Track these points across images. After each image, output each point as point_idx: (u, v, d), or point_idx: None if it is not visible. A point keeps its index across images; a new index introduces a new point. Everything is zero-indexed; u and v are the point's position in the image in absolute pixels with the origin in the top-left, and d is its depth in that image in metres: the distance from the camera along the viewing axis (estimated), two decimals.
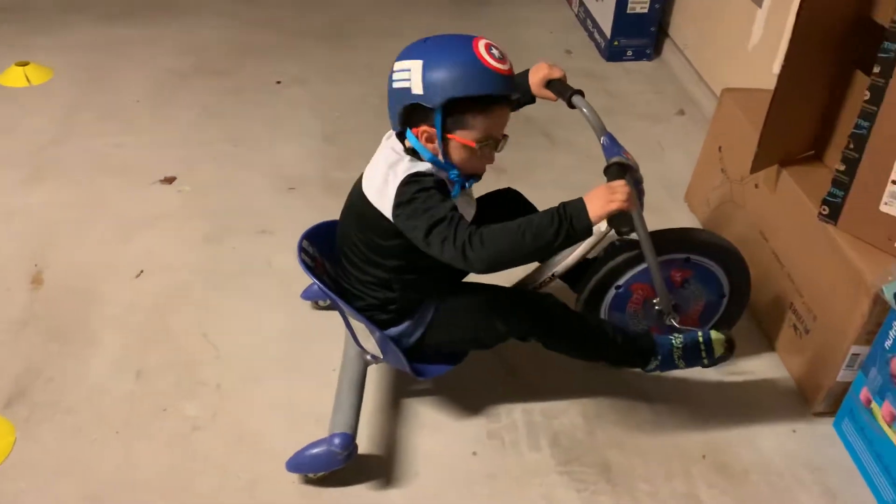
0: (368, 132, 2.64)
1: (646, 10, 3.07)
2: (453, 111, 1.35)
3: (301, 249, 1.55)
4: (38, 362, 1.83)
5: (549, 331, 1.59)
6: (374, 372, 1.80)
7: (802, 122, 1.84)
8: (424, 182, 1.38)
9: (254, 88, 2.96)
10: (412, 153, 1.43)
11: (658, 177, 2.51)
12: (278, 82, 3.00)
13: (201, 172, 2.49)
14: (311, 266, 1.55)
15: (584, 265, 1.67)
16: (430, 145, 1.40)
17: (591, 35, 3.36)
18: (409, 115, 1.38)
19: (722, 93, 2.22)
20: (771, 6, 2.40)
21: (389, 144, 1.46)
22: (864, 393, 1.61)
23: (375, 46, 3.25)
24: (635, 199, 1.34)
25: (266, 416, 1.72)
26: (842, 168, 1.62)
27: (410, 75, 1.34)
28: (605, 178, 1.40)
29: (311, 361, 1.83)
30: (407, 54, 1.37)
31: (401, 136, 1.44)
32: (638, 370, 1.68)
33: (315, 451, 1.52)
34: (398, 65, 1.37)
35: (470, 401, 1.76)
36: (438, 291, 1.56)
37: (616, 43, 3.14)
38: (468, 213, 1.49)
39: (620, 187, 1.31)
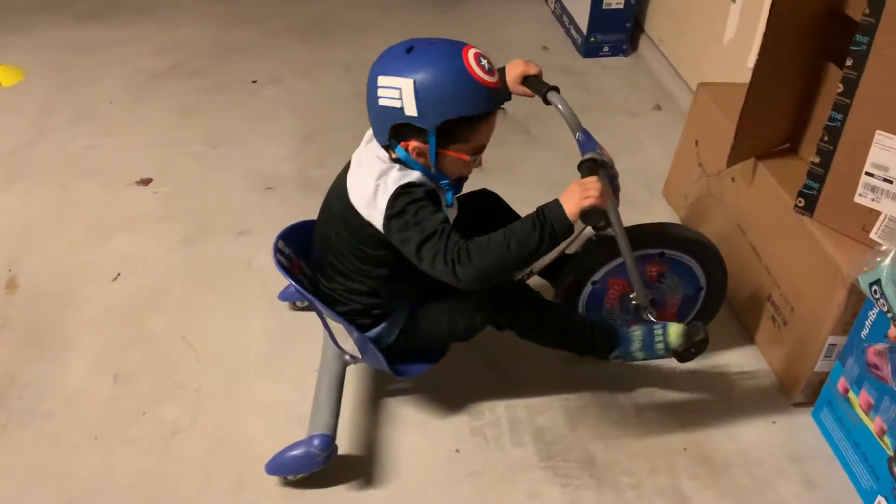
0: (347, 131, 2.65)
1: (621, 6, 3.08)
2: (447, 129, 1.34)
3: (277, 250, 1.53)
4: (14, 368, 1.80)
5: (523, 320, 1.59)
6: (355, 371, 1.79)
7: (777, 116, 1.86)
8: (415, 193, 1.35)
9: (231, 88, 2.94)
10: (400, 161, 1.41)
11: (636, 171, 2.52)
12: (254, 81, 2.98)
13: (178, 173, 2.47)
14: (287, 267, 1.54)
15: (561, 261, 1.67)
16: (420, 159, 1.38)
17: (567, 31, 3.36)
18: (398, 130, 1.36)
19: (698, 87, 2.23)
20: (745, 1, 2.42)
21: (374, 152, 1.43)
22: (841, 383, 1.63)
23: (353, 44, 3.24)
24: (609, 194, 1.35)
25: (248, 418, 1.71)
26: (816, 160, 1.63)
27: (401, 95, 1.30)
28: (579, 175, 1.41)
29: (293, 362, 1.82)
30: (394, 69, 1.32)
31: (387, 147, 1.42)
32: (606, 360, 1.69)
33: (294, 452, 1.51)
34: (384, 80, 1.32)
35: (452, 399, 1.76)
36: (424, 295, 1.56)
37: (592, 39, 3.15)
38: (451, 215, 1.49)
39: (593, 184, 1.32)
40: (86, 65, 3.06)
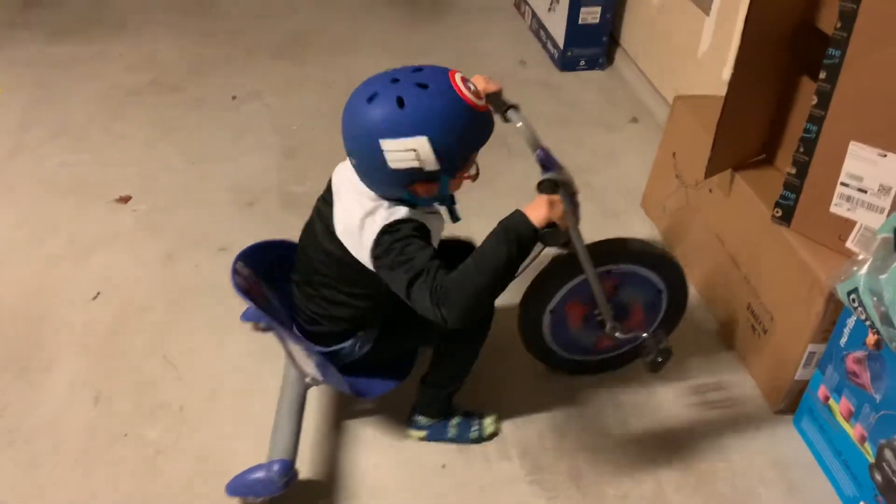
0: (326, 145, 2.65)
1: (597, 21, 3.12)
2: (458, 163, 1.32)
3: (234, 271, 1.49)
4: None
5: (470, 335, 1.58)
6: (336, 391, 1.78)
7: (753, 127, 1.89)
8: (403, 230, 1.31)
9: (209, 104, 2.93)
10: (388, 199, 1.36)
11: (614, 183, 2.54)
12: (234, 97, 2.97)
13: (158, 190, 2.45)
14: (245, 288, 1.50)
15: None
16: (426, 194, 1.34)
17: (544, 46, 3.39)
18: (410, 182, 1.31)
19: (674, 100, 2.26)
20: (718, 14, 2.46)
21: (358, 190, 1.36)
22: (821, 390, 1.65)
23: (332, 59, 3.24)
24: (570, 215, 1.35)
25: (231, 437, 1.70)
26: (793, 171, 1.66)
27: (418, 155, 1.25)
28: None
29: (275, 380, 1.80)
30: (397, 130, 1.24)
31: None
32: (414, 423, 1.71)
33: (254, 476, 1.48)
34: (391, 144, 1.24)
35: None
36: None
37: (569, 53, 3.18)
38: (439, 227, 1.45)
39: (557, 202, 1.33)
40: (61, 81, 3.03)
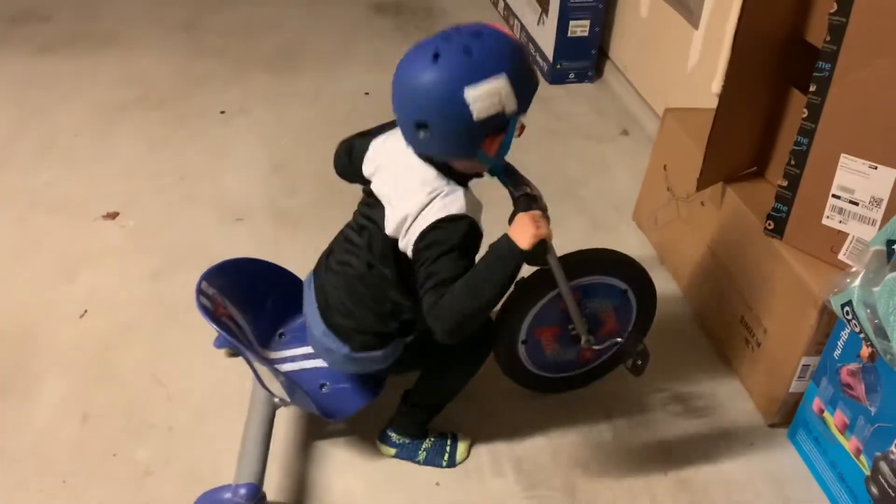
0: (316, 160, 2.64)
1: (586, 34, 3.13)
2: (529, 98, 1.30)
3: (199, 292, 1.47)
4: None
5: (469, 356, 1.57)
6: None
7: (744, 140, 1.89)
8: (452, 233, 1.29)
9: (198, 119, 2.91)
10: (445, 171, 1.34)
11: (605, 196, 2.54)
12: (222, 112, 2.95)
13: (146, 206, 2.43)
14: (211, 309, 1.48)
15: None
16: (492, 151, 1.31)
17: (533, 58, 3.40)
18: (485, 136, 1.28)
19: (664, 113, 2.26)
20: (707, 28, 2.47)
21: (413, 183, 1.33)
22: (816, 403, 1.64)
23: (321, 73, 3.23)
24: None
25: (222, 456, 1.67)
26: (784, 184, 1.66)
27: (501, 96, 1.22)
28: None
29: None
30: (477, 75, 1.21)
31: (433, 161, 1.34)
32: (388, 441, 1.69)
33: (221, 497, 1.46)
34: (475, 91, 1.21)
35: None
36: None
37: (558, 66, 3.19)
38: (480, 215, 1.40)
39: (539, 217, 1.33)
40: (48, 97, 3.01)
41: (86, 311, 2.03)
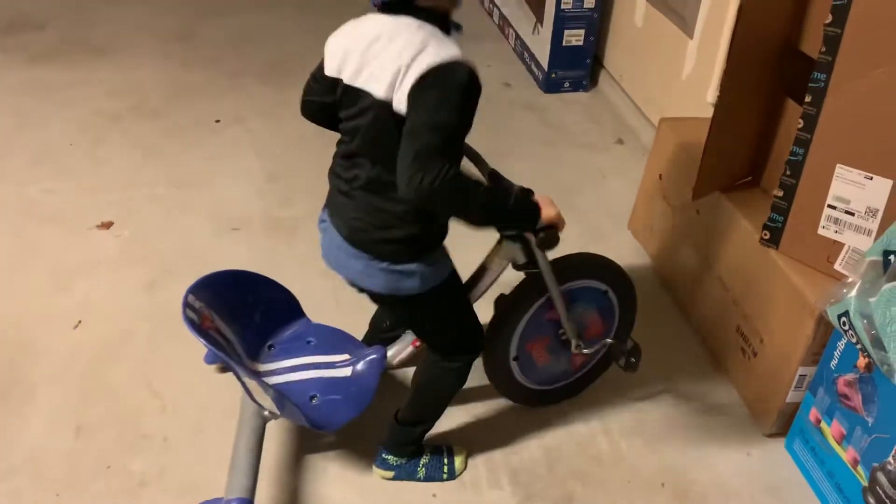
0: (311, 169, 2.63)
1: (581, 43, 3.14)
2: None
3: (186, 305, 1.45)
4: None
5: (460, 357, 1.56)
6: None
7: (739, 150, 1.90)
8: (452, 79, 1.21)
9: (193, 129, 2.91)
10: (424, 17, 1.27)
11: (601, 205, 2.55)
12: (217, 121, 2.95)
13: (140, 216, 2.42)
14: (198, 322, 1.45)
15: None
16: None
17: (528, 68, 3.41)
18: None
19: (660, 122, 2.27)
20: (702, 37, 2.48)
21: (398, 36, 1.25)
22: (813, 413, 1.64)
23: None
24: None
25: (216, 468, 1.65)
26: (780, 194, 1.67)
27: None
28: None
29: None
30: None
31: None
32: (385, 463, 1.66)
33: None
34: None
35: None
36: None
37: (553, 75, 3.20)
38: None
39: (555, 206, 1.38)
40: (42, 107, 3.00)
41: (80, 322, 2.02)
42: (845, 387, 1.54)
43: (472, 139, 1.51)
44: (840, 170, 1.55)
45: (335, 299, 2.11)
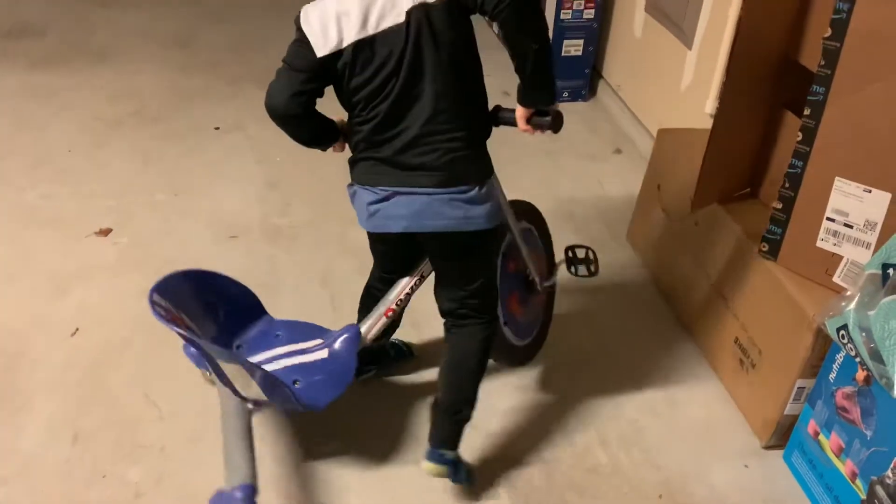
0: (310, 177, 2.64)
1: (580, 53, 3.15)
2: None
3: (153, 303, 1.44)
4: None
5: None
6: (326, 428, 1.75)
7: (738, 161, 1.90)
8: None
9: (192, 135, 2.91)
10: None
11: (599, 214, 2.55)
12: (217, 128, 2.95)
13: (139, 223, 2.42)
14: (168, 319, 1.45)
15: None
16: None
17: None
18: None
19: (658, 133, 2.27)
20: (700, 49, 2.49)
21: None
22: (811, 426, 1.64)
23: None
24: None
25: (214, 477, 1.64)
26: (779, 206, 1.67)
27: None
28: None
29: (259, 417, 1.77)
30: None
31: None
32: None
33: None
34: None
35: (423, 452, 1.72)
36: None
37: None
38: None
39: None
40: (42, 112, 3.00)
41: (77, 329, 2.01)
42: (844, 400, 1.54)
43: None
44: (839, 182, 1.55)
45: (333, 306, 2.11)
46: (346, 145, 1.52)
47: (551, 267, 1.92)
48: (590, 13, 3.07)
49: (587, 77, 3.24)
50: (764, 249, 1.73)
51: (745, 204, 1.92)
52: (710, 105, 2.36)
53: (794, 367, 1.64)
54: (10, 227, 2.37)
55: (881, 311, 1.36)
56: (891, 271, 1.38)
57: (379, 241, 1.62)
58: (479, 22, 1.42)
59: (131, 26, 3.74)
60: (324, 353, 1.62)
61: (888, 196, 1.49)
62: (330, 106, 1.47)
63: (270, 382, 1.48)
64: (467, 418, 1.61)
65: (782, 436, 1.75)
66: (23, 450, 1.69)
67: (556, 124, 1.50)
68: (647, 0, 2.83)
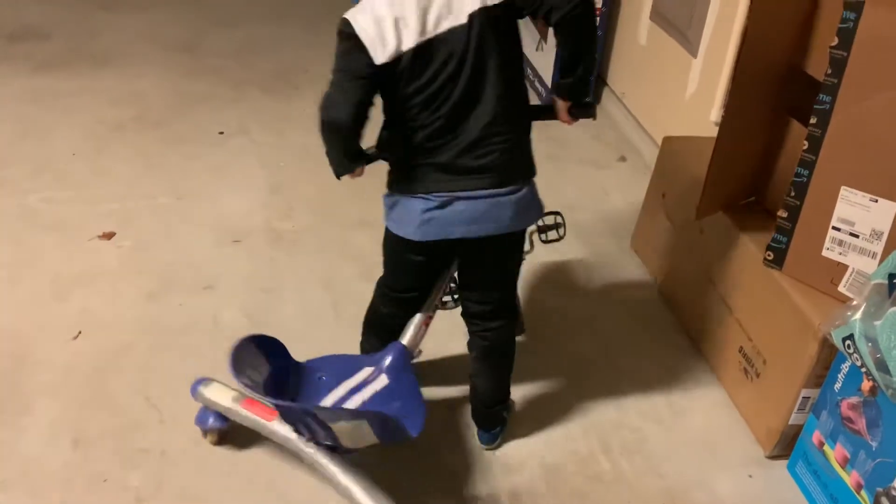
0: (314, 182, 2.64)
1: None
2: None
3: (246, 386, 1.41)
4: None
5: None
6: None
7: (743, 170, 1.90)
8: None
9: (196, 139, 2.91)
10: None
11: (604, 222, 2.54)
12: (221, 133, 2.95)
13: (142, 227, 2.42)
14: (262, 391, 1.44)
15: None
16: None
17: (532, 84, 3.42)
18: None
19: (663, 140, 2.27)
20: (705, 57, 2.49)
21: None
22: (816, 436, 1.63)
23: (320, 95, 3.22)
24: None
25: (215, 482, 1.65)
26: (784, 215, 1.66)
27: None
28: None
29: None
30: None
31: None
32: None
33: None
34: None
35: (426, 461, 1.71)
36: None
37: None
38: None
39: None
40: (44, 116, 3.00)
41: (79, 333, 2.00)
42: (849, 410, 1.53)
43: None
44: (845, 192, 1.55)
45: (335, 312, 2.11)
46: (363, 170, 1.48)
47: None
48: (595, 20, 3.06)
49: (591, 85, 3.23)
50: (769, 258, 1.72)
51: (751, 212, 1.91)
52: (715, 113, 2.36)
53: (798, 377, 1.64)
54: (12, 231, 2.37)
55: (887, 321, 1.35)
56: None
57: (418, 252, 1.53)
58: None
59: (136, 30, 3.74)
60: (384, 380, 1.58)
61: (895, 205, 1.49)
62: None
63: (381, 421, 1.41)
64: (508, 402, 1.75)
65: (786, 446, 1.74)
66: (23, 453, 1.69)
67: (594, 111, 1.59)
68: (652, 8, 2.83)
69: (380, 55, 1.31)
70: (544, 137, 3.03)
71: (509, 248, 1.55)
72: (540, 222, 1.92)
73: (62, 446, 1.70)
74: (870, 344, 1.37)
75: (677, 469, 1.74)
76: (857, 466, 1.52)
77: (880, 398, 1.45)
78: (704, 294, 1.99)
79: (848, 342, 1.41)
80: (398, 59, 1.32)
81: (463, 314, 1.66)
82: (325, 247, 2.37)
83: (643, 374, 1.97)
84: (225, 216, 2.49)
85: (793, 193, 1.64)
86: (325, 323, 2.07)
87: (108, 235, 2.37)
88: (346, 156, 1.43)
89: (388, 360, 1.61)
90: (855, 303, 1.43)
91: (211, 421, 1.69)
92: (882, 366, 1.35)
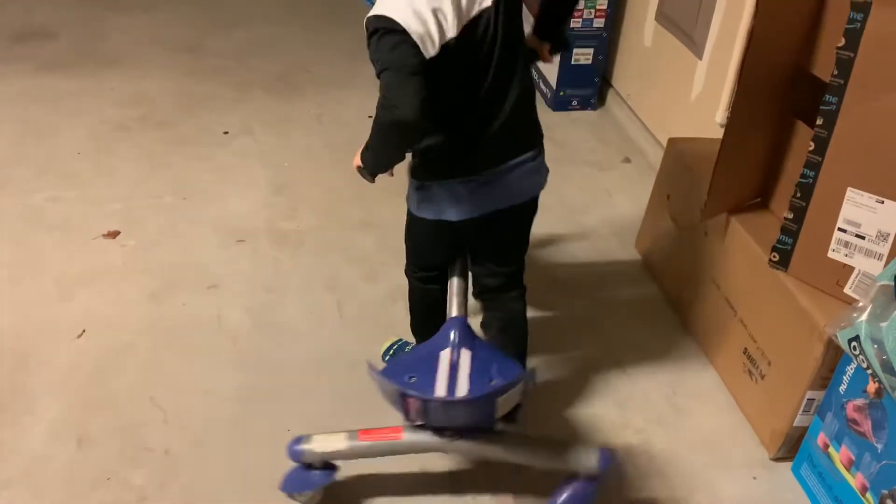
0: (318, 182, 2.64)
1: (589, 62, 3.15)
2: None
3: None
4: None
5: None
6: None
7: (748, 171, 1.89)
8: None
9: (200, 140, 2.91)
10: None
11: (608, 224, 2.54)
12: (225, 133, 2.95)
13: (146, 226, 2.42)
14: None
15: None
16: None
17: (537, 85, 3.42)
18: None
19: (668, 142, 2.26)
20: (711, 58, 2.48)
21: None
22: (821, 438, 1.62)
23: (324, 97, 3.24)
24: None
25: (218, 482, 1.64)
26: (790, 216, 1.66)
27: None
28: None
29: (265, 423, 1.77)
30: None
31: None
32: None
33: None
34: None
35: (424, 458, 1.71)
36: None
37: (561, 93, 3.20)
38: None
39: None
40: (49, 115, 3.00)
41: (83, 332, 2.01)
42: (855, 412, 1.52)
43: None
44: (851, 193, 1.54)
45: (339, 312, 2.10)
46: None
47: None
48: (600, 22, 3.06)
49: (596, 86, 3.23)
50: (774, 259, 1.71)
51: (756, 214, 1.91)
52: (721, 115, 2.35)
53: (803, 379, 1.63)
54: (17, 230, 2.37)
55: (894, 322, 1.34)
56: None
57: (458, 231, 1.53)
58: None
59: (141, 31, 3.75)
60: (468, 353, 1.48)
61: None
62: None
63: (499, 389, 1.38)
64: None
65: (791, 448, 1.73)
66: (27, 452, 1.69)
67: (568, 40, 1.69)
68: (657, 9, 2.83)
69: (429, 48, 1.30)
70: (547, 139, 3.03)
71: (531, 213, 1.62)
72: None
73: (66, 445, 1.71)
74: (875, 346, 1.37)
75: (680, 471, 1.73)
76: (862, 469, 1.51)
77: (886, 400, 1.44)
78: (709, 295, 1.99)
79: (853, 344, 1.41)
80: (444, 49, 1.31)
81: (477, 294, 1.67)
82: (329, 247, 2.37)
83: (646, 375, 1.97)
84: (229, 216, 2.49)
85: (799, 195, 1.63)
86: (328, 323, 2.07)
87: (113, 235, 2.37)
88: (402, 153, 1.44)
89: (455, 335, 1.50)
90: (861, 304, 1.42)
91: (317, 478, 1.54)
92: (888, 367, 1.35)
